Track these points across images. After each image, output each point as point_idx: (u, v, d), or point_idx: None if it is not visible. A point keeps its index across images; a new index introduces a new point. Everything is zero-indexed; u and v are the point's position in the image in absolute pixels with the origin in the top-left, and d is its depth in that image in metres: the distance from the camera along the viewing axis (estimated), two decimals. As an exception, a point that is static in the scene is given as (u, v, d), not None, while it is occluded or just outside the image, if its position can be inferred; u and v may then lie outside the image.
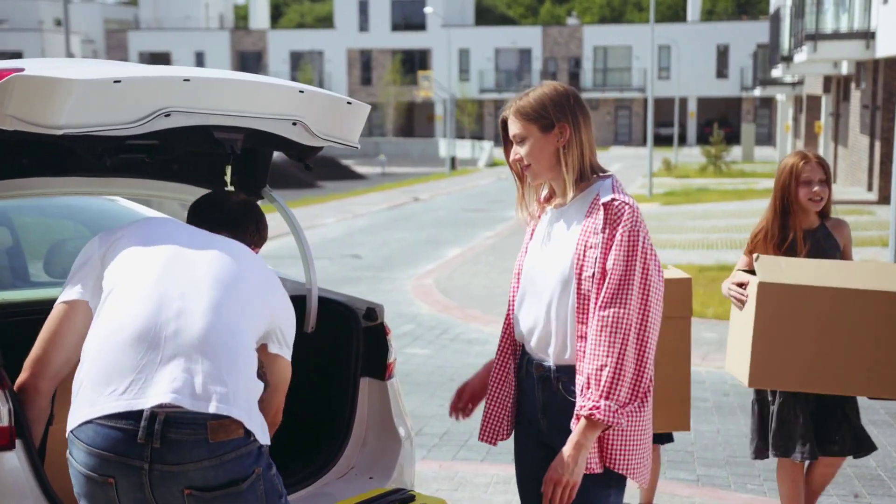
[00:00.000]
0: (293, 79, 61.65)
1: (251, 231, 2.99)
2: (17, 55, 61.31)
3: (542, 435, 3.02)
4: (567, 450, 2.81)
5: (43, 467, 2.72)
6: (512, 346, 3.10)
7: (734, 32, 60.72)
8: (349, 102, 3.26)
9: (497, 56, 62.24)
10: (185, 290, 2.56)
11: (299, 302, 3.71)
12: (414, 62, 63.02)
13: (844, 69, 24.95)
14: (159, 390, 2.40)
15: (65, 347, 2.67)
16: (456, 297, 11.62)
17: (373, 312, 3.66)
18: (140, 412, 2.38)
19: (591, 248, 2.86)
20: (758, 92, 45.40)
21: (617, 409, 2.79)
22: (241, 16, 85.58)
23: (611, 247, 2.83)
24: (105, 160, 2.85)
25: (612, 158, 47.61)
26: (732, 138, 51.32)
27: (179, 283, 2.58)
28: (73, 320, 2.68)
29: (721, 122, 47.43)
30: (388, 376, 3.68)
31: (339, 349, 3.60)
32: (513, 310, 3.07)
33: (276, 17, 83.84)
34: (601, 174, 2.97)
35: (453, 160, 39.98)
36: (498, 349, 3.13)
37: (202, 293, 2.57)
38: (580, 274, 2.87)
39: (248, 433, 2.47)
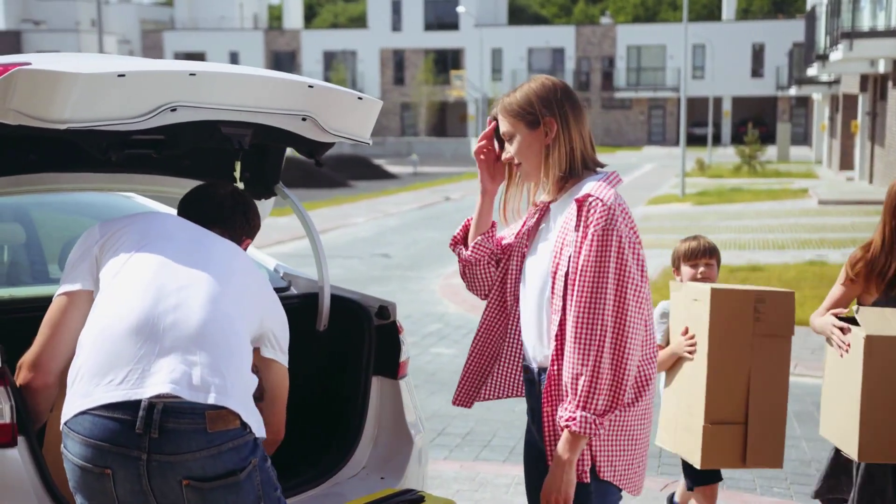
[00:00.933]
0: (326, 79, 61.87)
1: (240, 223, 2.96)
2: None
3: (536, 441, 2.97)
4: (553, 466, 2.74)
5: (46, 464, 2.70)
6: (503, 318, 3.03)
7: (770, 31, 60.16)
8: (360, 98, 3.22)
9: (530, 56, 62.07)
10: (182, 284, 2.55)
11: (312, 299, 3.67)
12: (446, 62, 62.99)
13: (881, 68, 24.60)
14: (158, 380, 2.39)
15: (69, 339, 2.64)
16: (483, 296, 11.56)
17: (385, 310, 3.61)
18: (138, 402, 2.37)
19: (566, 246, 2.77)
20: (793, 91, 44.98)
21: (594, 420, 2.68)
22: (275, 16, 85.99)
23: (584, 244, 2.72)
24: (110, 155, 2.83)
25: (645, 158, 47.34)
26: (767, 138, 50.86)
27: (177, 276, 2.56)
28: (76, 311, 2.65)
29: (756, 122, 46.94)
30: (401, 375, 3.63)
31: (350, 347, 3.56)
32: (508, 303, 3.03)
33: (310, 17, 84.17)
34: (598, 169, 2.87)
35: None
36: (485, 315, 3.04)
37: (199, 287, 2.55)
38: (555, 273, 2.78)
39: (245, 424, 2.46)
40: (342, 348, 3.59)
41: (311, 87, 3.09)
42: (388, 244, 17.07)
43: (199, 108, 2.87)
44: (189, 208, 2.91)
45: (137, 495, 2.39)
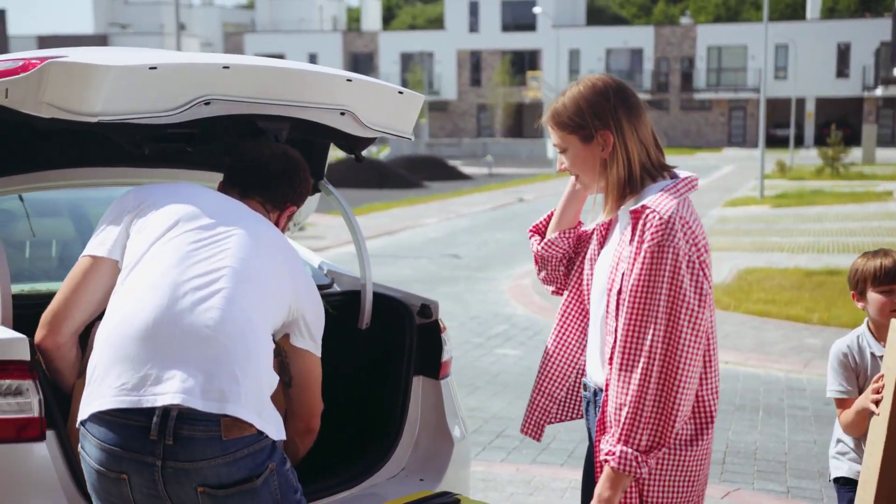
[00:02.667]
0: (403, 80, 62.15)
1: (284, 188, 2.83)
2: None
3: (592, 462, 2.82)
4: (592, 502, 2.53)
5: (77, 459, 2.69)
6: (577, 342, 2.84)
7: (856, 30, 58.72)
8: (400, 92, 3.15)
9: (608, 56, 61.55)
10: (200, 282, 2.46)
11: (354, 297, 3.62)
12: (523, 63, 62.80)
13: (971, 67, 23.81)
14: (170, 388, 2.33)
15: (87, 302, 2.60)
16: (552, 298, 11.41)
17: (427, 309, 3.53)
18: (152, 409, 2.32)
19: (621, 261, 2.53)
20: (880, 91, 43.91)
21: (636, 457, 2.44)
22: (354, 18, 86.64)
23: (637, 261, 2.47)
24: (143, 149, 2.81)
25: (725, 160, 46.56)
26: (852, 139, 49.58)
27: (196, 271, 2.48)
28: (98, 276, 2.59)
29: (840, 123, 45.94)
30: (443, 375, 3.55)
31: (392, 346, 3.50)
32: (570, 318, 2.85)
33: (388, 18, 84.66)
34: (666, 173, 2.59)
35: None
36: (555, 334, 2.85)
37: (218, 283, 2.47)
38: (610, 290, 2.55)
39: (261, 430, 2.40)
40: (383, 347, 3.53)
41: (349, 80, 3.04)
42: (459, 245, 17.02)
43: (234, 101, 2.83)
44: (233, 173, 2.82)
45: (154, 499, 2.36)
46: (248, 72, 2.86)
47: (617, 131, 2.54)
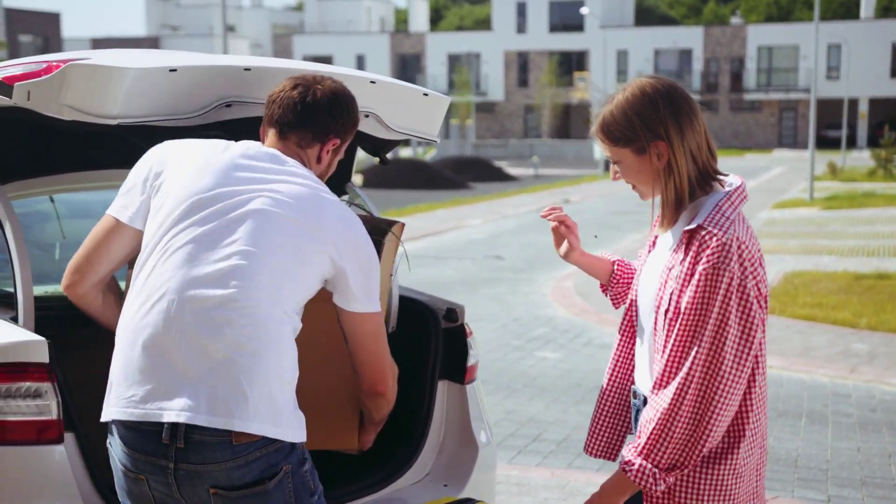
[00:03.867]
0: (450, 81, 62.18)
1: (323, 120, 2.58)
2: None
3: None
4: (593, 498, 2.50)
5: (96, 462, 2.69)
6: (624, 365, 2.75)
7: (911, 29, 57.78)
8: (426, 94, 3.12)
9: (656, 57, 61.10)
10: (205, 293, 2.35)
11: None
12: (571, 64, 62.55)
13: None
14: (175, 406, 2.29)
15: (107, 261, 2.55)
16: (594, 300, 11.34)
17: (453, 313, 3.50)
18: (159, 422, 2.31)
19: (671, 279, 2.43)
20: (935, 91, 43.02)
21: (655, 474, 2.38)
22: (402, 19, 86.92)
23: (689, 283, 2.38)
24: None
25: (775, 161, 45.99)
26: (906, 141, 48.75)
27: (201, 271, 2.37)
28: (120, 238, 2.53)
29: (894, 124, 45.08)
30: (468, 380, 3.51)
31: (417, 350, 3.46)
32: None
33: (436, 19, 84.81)
34: (720, 181, 2.48)
35: (607, 162, 39.28)
36: (615, 358, 2.75)
37: (224, 288, 2.35)
38: (658, 307, 2.47)
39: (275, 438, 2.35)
40: (409, 351, 3.50)
41: (372, 82, 3.01)
42: (503, 246, 16.96)
43: (255, 103, 2.81)
44: (271, 111, 2.59)
45: (170, 499, 2.35)
46: (269, 74, 2.82)
47: (671, 141, 2.43)
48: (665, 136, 2.42)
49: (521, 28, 63.38)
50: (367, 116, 3.05)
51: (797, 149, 57.54)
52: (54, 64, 2.65)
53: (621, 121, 2.46)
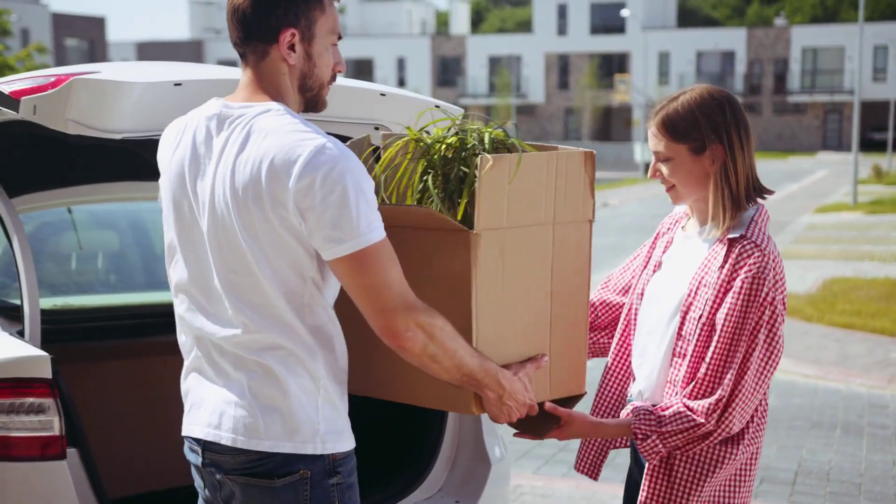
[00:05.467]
0: (490, 84, 62.11)
1: (260, 19, 2.18)
2: (232, 64, 64.40)
3: (634, 472, 2.74)
4: (591, 424, 2.57)
5: (99, 477, 2.69)
6: (624, 371, 2.76)
7: (959, 30, 56.81)
8: (437, 106, 3.08)
9: (699, 59, 60.60)
10: (206, 297, 2.26)
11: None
12: (611, 66, 62.24)
13: None
14: (197, 420, 2.29)
15: None
16: (628, 306, 11.26)
17: (466, 326, 3.45)
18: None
19: (704, 286, 2.46)
20: (983, 93, 42.28)
21: (661, 452, 2.48)
22: (442, 22, 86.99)
23: (726, 292, 2.42)
24: None
25: (819, 164, 45.43)
26: (954, 143, 47.94)
27: (203, 281, 2.26)
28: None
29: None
30: (483, 394, 3.46)
31: None
32: (631, 334, 2.73)
33: (477, 22, 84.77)
34: (761, 197, 2.53)
35: (647, 165, 39.09)
36: (608, 371, 2.79)
37: (216, 303, 2.25)
38: (686, 313, 2.48)
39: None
40: (422, 364, 3.46)
41: (382, 94, 2.98)
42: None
43: None
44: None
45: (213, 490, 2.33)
46: None
47: (729, 147, 2.47)
48: (726, 141, 2.46)
49: (561, 30, 63.14)
50: (377, 129, 3.03)
51: (842, 151, 56.76)
52: (61, 77, 2.65)
53: (687, 117, 2.48)
